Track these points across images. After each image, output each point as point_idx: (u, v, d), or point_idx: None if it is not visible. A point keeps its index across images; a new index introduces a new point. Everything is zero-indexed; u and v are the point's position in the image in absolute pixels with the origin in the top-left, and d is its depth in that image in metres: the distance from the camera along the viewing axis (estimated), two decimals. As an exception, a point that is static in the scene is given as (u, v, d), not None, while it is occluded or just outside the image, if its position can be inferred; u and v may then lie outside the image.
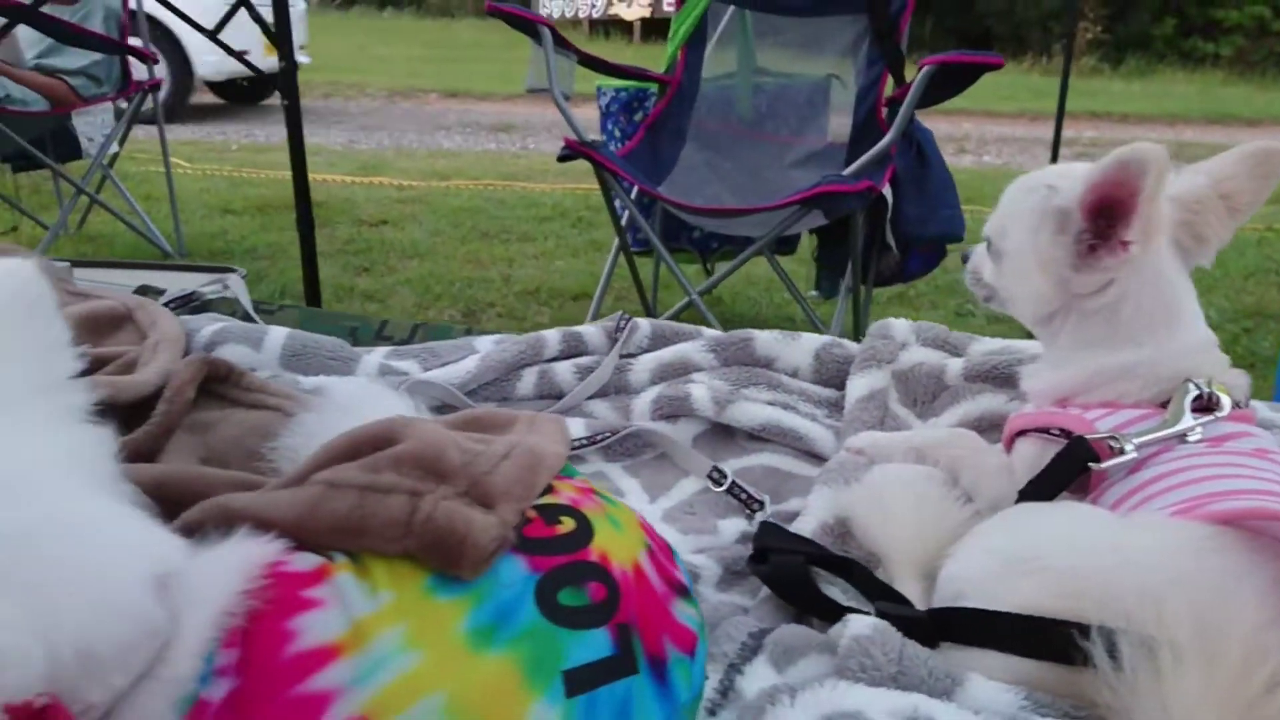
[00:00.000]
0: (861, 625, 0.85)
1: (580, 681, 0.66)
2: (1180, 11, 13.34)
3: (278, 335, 1.36)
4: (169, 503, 0.74)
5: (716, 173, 3.67)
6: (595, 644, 0.68)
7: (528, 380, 1.38)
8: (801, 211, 2.94)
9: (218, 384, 1.18)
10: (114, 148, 4.48)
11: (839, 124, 3.64)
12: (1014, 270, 1.12)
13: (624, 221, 3.50)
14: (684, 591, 0.82)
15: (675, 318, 2.89)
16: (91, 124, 4.39)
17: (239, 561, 0.63)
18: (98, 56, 4.20)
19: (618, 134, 3.87)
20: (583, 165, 6.89)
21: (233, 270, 1.76)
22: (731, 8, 3.64)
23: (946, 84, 2.90)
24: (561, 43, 3.24)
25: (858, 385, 1.34)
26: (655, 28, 14.69)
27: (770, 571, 1.01)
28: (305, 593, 0.63)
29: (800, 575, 0.98)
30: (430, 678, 0.62)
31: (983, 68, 2.84)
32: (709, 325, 2.40)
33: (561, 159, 3.24)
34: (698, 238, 3.92)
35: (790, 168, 3.60)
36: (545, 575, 0.69)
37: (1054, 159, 4.36)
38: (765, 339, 1.43)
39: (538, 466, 0.74)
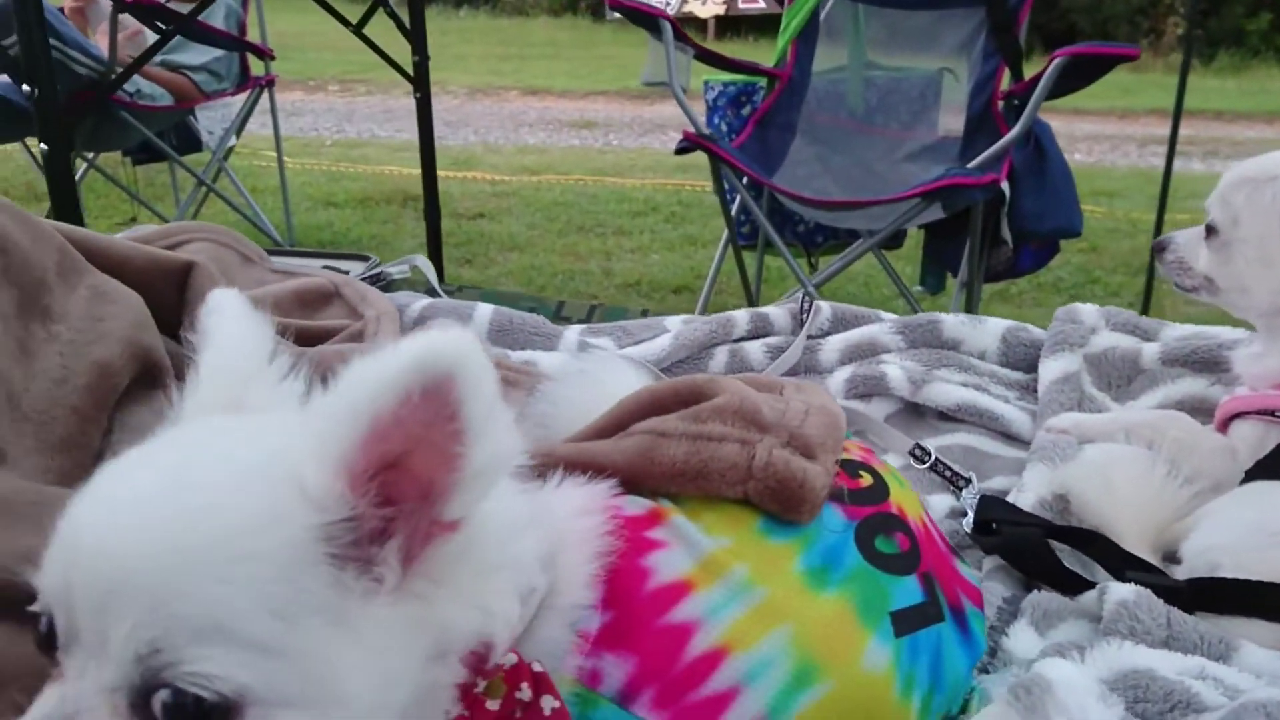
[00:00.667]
0: (1124, 591, 0.87)
1: (904, 623, 0.69)
2: (1276, 6, 12.93)
3: (485, 311, 1.41)
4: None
5: (826, 166, 3.67)
6: (910, 590, 0.71)
7: (719, 359, 1.41)
8: (922, 205, 2.94)
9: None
10: (230, 140, 4.63)
11: (950, 118, 3.62)
12: (1251, 260, 1.12)
13: (732, 213, 3.52)
14: (957, 551, 0.84)
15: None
16: (211, 118, 4.54)
17: (587, 504, 0.67)
18: (219, 53, 4.34)
19: (724, 128, 3.89)
20: (672, 162, 6.86)
21: (358, 258, 1.82)
22: (844, 1, 3.63)
23: (1076, 76, 2.87)
24: (680, 37, 3.27)
25: (1050, 368, 1.35)
26: (729, 25, 14.65)
27: (1003, 542, 1.03)
28: (648, 534, 0.67)
29: (1038, 545, 0.99)
30: (777, 612, 0.65)
31: (1116, 59, 2.81)
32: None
33: (679, 151, 3.26)
34: (802, 232, 3.92)
35: (903, 162, 3.58)
36: (861, 523, 0.72)
37: (1170, 157, 4.26)
38: (952, 322, 1.44)
39: (836, 424, 0.77)
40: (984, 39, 3.44)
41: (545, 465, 0.73)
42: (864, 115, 3.74)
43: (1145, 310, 3.90)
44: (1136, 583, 0.91)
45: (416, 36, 2.81)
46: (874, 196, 3.20)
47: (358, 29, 2.90)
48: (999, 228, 3.31)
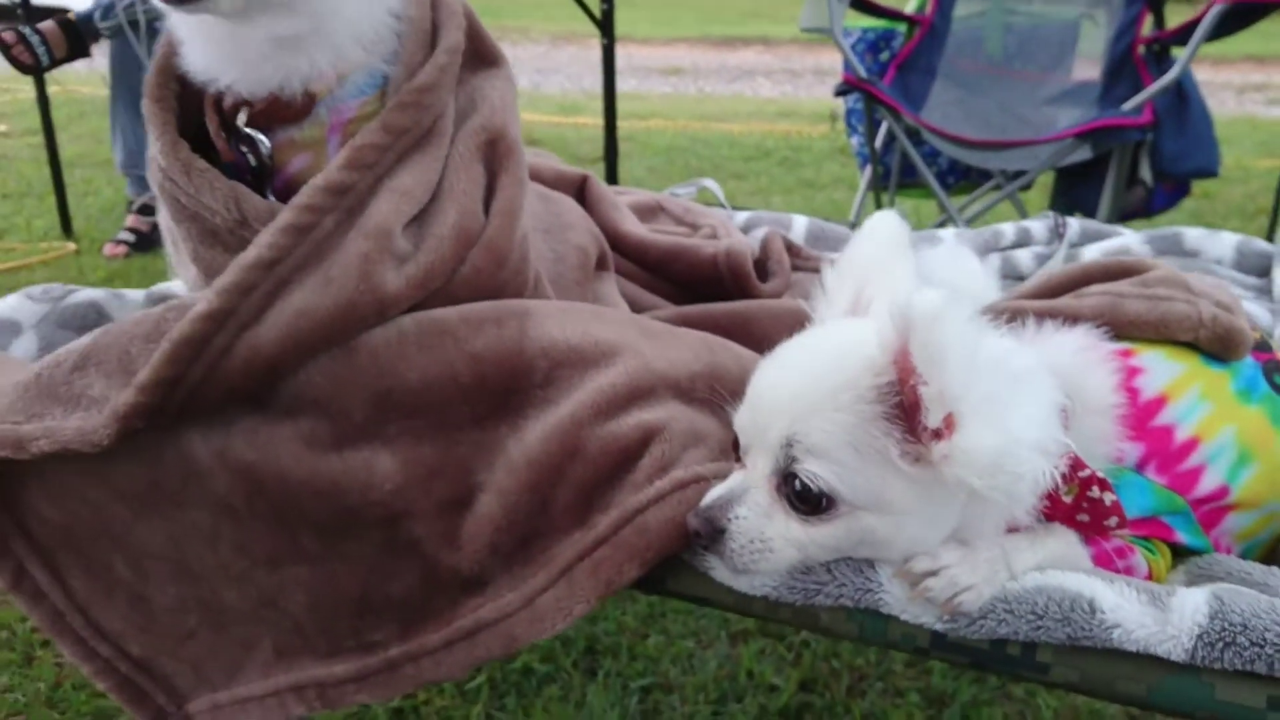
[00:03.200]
0: None
1: None
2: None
3: (801, 221, 1.67)
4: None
5: (966, 109, 3.84)
6: None
7: (992, 264, 1.66)
8: (1074, 145, 3.13)
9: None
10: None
11: (1087, 63, 3.77)
12: None
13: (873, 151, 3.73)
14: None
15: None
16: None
17: (1087, 342, 0.92)
18: None
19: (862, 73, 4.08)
20: (774, 108, 6.96)
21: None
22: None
23: (1232, 21, 3.03)
24: (839, -17, 3.45)
25: (1286, 271, 1.58)
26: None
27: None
28: (1129, 362, 0.93)
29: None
30: (1224, 416, 0.92)
31: (1271, 8, 2.96)
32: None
33: (839, 93, 3.48)
34: (935, 173, 4.10)
35: (1043, 105, 3.75)
36: (1264, 364, 0.97)
37: None
38: (1193, 235, 1.68)
39: (1233, 293, 1.02)
40: (1127, -15, 3.57)
41: (1020, 315, 0.98)
42: (1003, 60, 3.89)
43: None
44: None
45: (605, -15, 3.04)
46: (1015, 138, 3.39)
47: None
48: (1135, 169, 3.48)
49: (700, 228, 1.58)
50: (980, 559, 0.79)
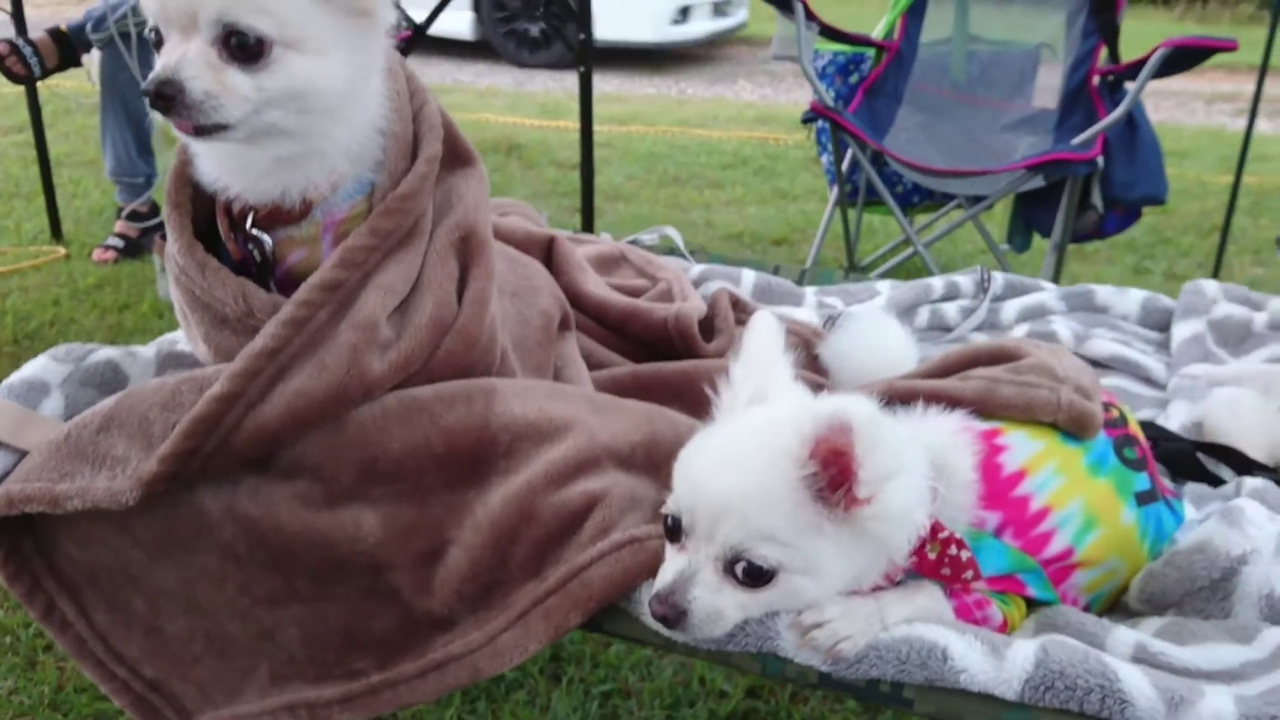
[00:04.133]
0: (1254, 482, 1.29)
1: (1141, 500, 1.12)
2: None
3: (749, 275, 1.84)
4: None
5: (929, 134, 4.01)
6: (1142, 481, 1.14)
7: (922, 316, 1.83)
8: (1029, 175, 3.31)
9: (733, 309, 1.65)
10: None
11: (1044, 91, 3.94)
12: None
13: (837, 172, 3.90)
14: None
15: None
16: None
17: (957, 425, 1.09)
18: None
19: (833, 95, 4.24)
20: (752, 114, 7.12)
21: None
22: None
23: (1177, 63, 3.20)
24: (809, 15, 3.61)
25: (1182, 330, 1.76)
26: None
27: (1162, 454, 1.44)
28: (995, 441, 1.10)
29: (1189, 456, 1.41)
30: (1075, 488, 1.09)
31: (1215, 50, 3.13)
32: (929, 272, 2.95)
33: (805, 120, 3.64)
34: (900, 193, 4.27)
35: (1002, 131, 3.92)
36: (1115, 439, 1.15)
37: (1253, 115, 4.40)
38: (1104, 292, 1.85)
39: (1095, 377, 1.20)
40: (1084, 18, 3.74)
41: (904, 397, 1.15)
42: (966, 86, 4.06)
43: (1216, 272, 4.23)
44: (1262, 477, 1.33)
45: (583, 15, 3.19)
46: (974, 164, 3.56)
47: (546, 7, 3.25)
48: (1089, 194, 3.66)
49: (659, 281, 1.74)
50: (858, 614, 0.97)
